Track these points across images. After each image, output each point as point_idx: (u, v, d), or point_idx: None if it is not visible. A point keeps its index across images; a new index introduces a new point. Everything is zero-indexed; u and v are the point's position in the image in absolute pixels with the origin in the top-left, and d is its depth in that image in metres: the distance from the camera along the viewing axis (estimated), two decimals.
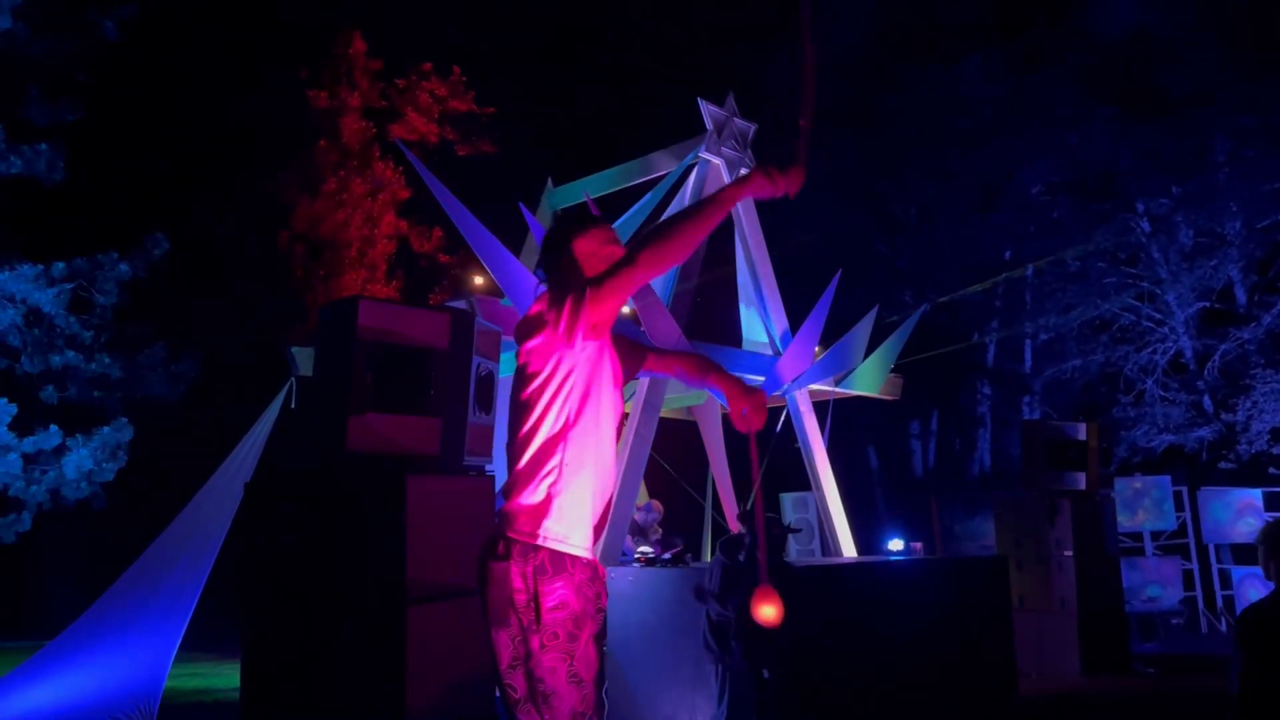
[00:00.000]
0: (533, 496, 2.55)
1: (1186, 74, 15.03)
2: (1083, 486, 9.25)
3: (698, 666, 5.59)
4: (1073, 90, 16.25)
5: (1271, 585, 3.78)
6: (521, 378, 2.60)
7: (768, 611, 2.83)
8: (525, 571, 2.51)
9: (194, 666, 9.82)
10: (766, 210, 8.74)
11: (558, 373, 2.57)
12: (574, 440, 2.59)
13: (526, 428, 2.58)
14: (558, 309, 2.53)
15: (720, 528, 9.57)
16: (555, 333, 2.53)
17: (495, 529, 2.61)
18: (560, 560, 2.54)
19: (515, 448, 2.61)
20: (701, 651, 5.32)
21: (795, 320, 8.28)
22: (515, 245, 8.20)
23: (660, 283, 7.55)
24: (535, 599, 2.50)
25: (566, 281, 2.64)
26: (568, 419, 2.58)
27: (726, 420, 9.02)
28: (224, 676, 9.51)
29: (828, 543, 8.55)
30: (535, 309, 2.63)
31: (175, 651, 7.19)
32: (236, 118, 16.57)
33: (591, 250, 2.76)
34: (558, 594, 2.52)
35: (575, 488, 2.58)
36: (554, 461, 2.57)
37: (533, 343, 2.57)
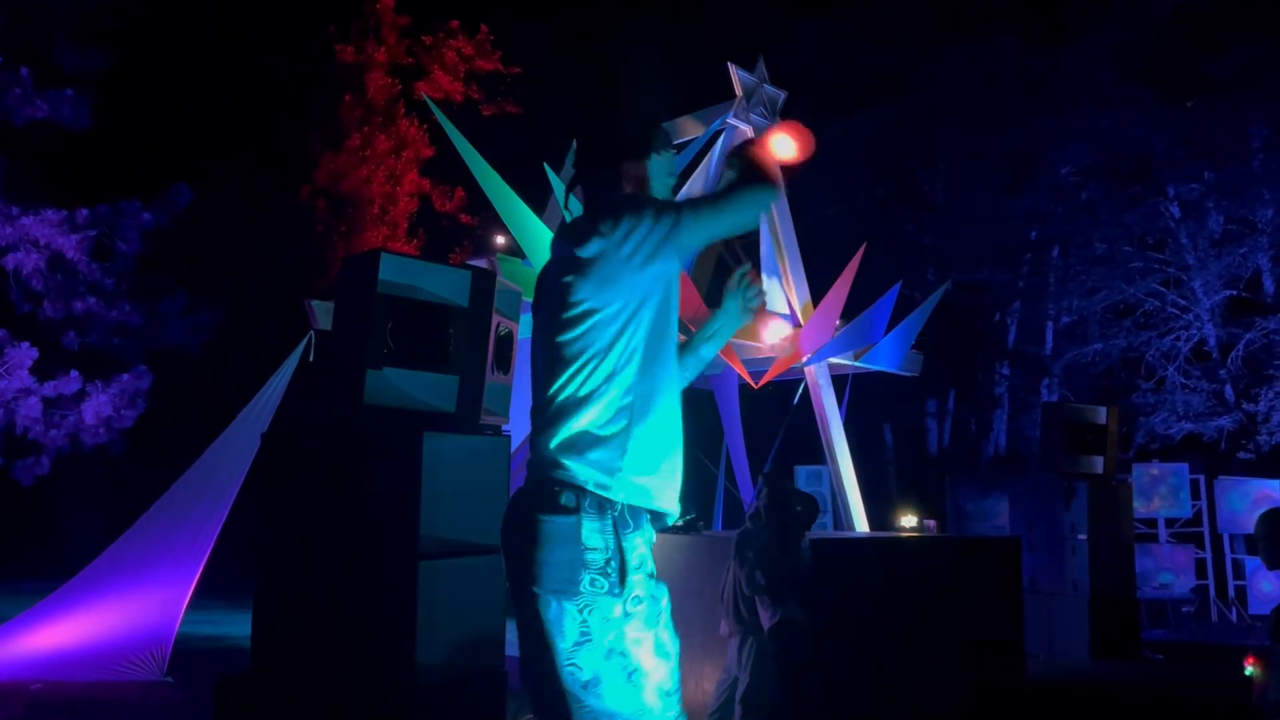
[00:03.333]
0: (605, 443, 2.18)
1: (1227, 57, 14.75)
2: (1100, 471, 9.20)
3: (706, 633, 5.60)
4: (1109, 71, 16.00)
5: None
6: (578, 309, 2.22)
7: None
8: (604, 526, 2.15)
9: (207, 613, 9.93)
10: (792, 181, 8.65)
11: (629, 300, 2.23)
12: (646, 379, 2.25)
13: (590, 365, 2.20)
14: (634, 224, 2.20)
15: (733, 497, 9.57)
16: (619, 254, 2.20)
17: (542, 475, 2.21)
18: (639, 515, 2.21)
19: (572, 388, 2.21)
20: (725, 619, 5.24)
21: (818, 293, 8.22)
22: (538, 206, 8.15)
23: None
24: (619, 554, 2.14)
25: (634, 198, 2.32)
26: (641, 353, 2.24)
27: (743, 389, 8.99)
28: (236, 624, 9.61)
29: (840, 517, 8.53)
30: (585, 227, 2.25)
31: (188, 598, 7.26)
32: (263, 70, 16.52)
33: (650, 176, 2.42)
34: (640, 551, 2.18)
35: (650, 435, 2.24)
36: (627, 402, 2.22)
37: (588, 272, 2.21)
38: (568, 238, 2.30)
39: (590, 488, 2.16)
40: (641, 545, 2.20)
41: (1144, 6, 15.64)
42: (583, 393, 2.20)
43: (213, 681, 4.02)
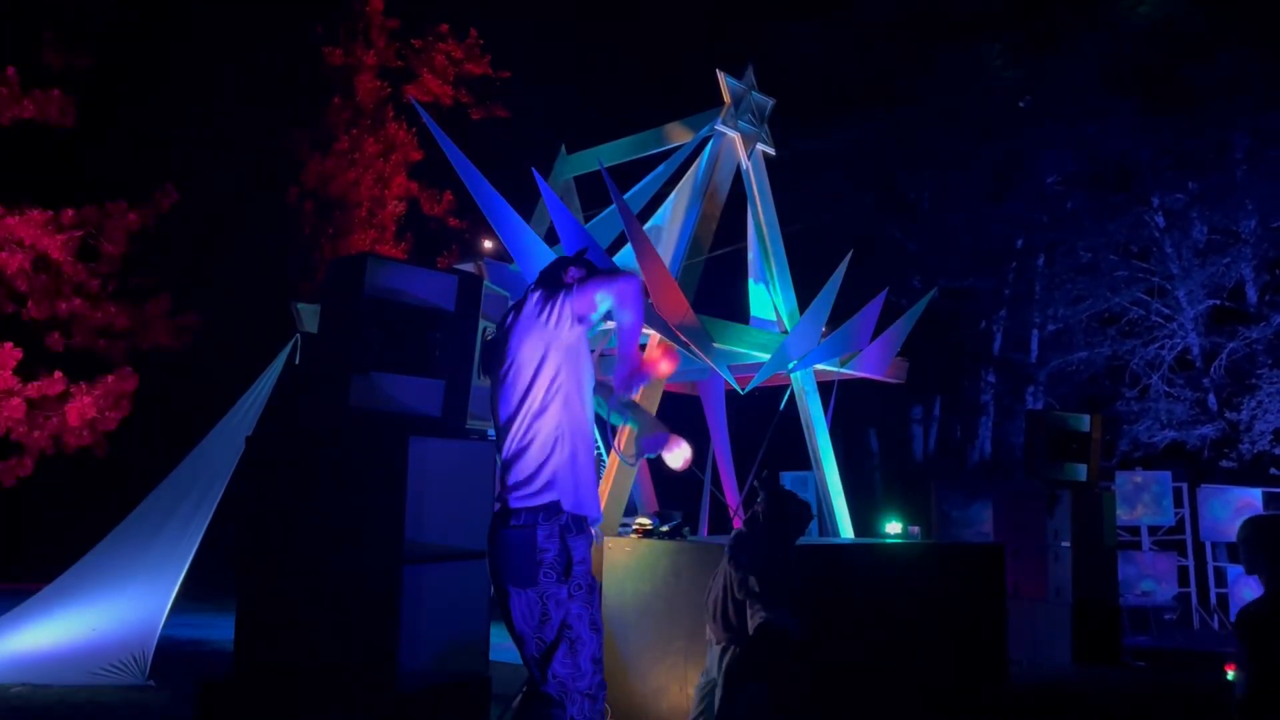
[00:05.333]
0: (550, 468, 2.91)
1: (1210, 68, 14.87)
2: (1083, 478, 9.24)
3: (691, 638, 5.60)
4: (1093, 80, 16.10)
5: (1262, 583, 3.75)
6: (520, 361, 2.97)
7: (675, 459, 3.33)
8: (552, 532, 2.84)
9: (190, 617, 9.87)
10: (780, 188, 8.69)
11: (550, 357, 2.98)
12: (573, 415, 2.99)
13: (532, 405, 2.96)
14: (552, 304, 2.97)
15: (719, 502, 9.58)
16: (545, 326, 2.98)
17: (506, 502, 2.94)
18: (581, 522, 2.92)
19: (520, 424, 2.96)
20: (711, 625, 5.22)
21: (804, 299, 8.24)
22: (526, 211, 8.16)
23: (669, 256, 7.52)
24: (565, 552, 2.84)
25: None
26: (566, 396, 2.99)
27: (730, 396, 9.02)
28: (219, 628, 9.56)
29: (825, 523, 8.56)
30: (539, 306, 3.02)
31: (171, 601, 7.23)
32: (251, 72, 16.47)
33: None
34: (581, 549, 2.90)
35: (581, 458, 2.98)
36: (561, 434, 2.95)
37: (528, 335, 2.98)
38: (516, 312, 3.05)
39: (540, 504, 2.90)
40: (584, 546, 2.92)
41: (1127, 17, 15.74)
42: (530, 423, 2.96)
43: (195, 685, 4.01)
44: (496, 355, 3.06)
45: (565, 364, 2.98)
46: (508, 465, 2.98)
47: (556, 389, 2.96)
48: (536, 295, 3.02)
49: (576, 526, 2.91)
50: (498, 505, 3.01)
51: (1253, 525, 3.79)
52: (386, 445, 3.81)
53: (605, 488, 6.81)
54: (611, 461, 7.07)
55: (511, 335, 3.00)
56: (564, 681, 2.80)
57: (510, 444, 2.99)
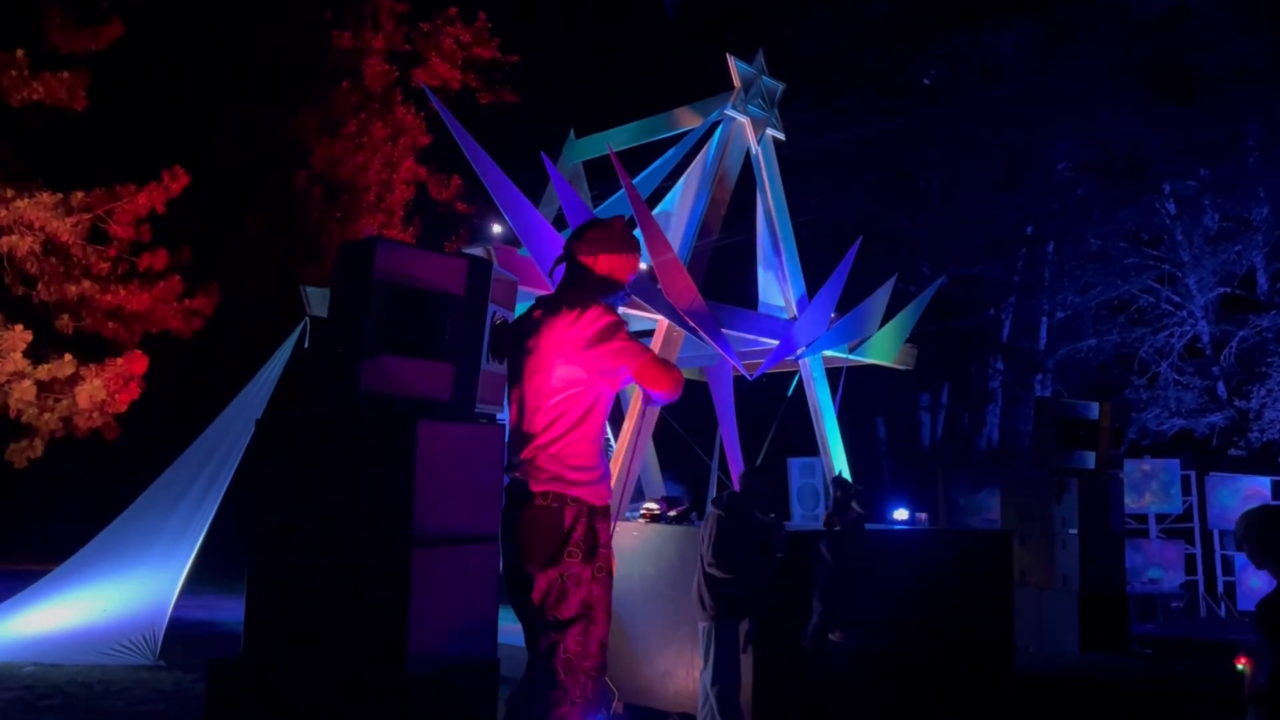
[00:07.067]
0: (588, 467, 2.98)
1: (1221, 57, 14.77)
2: (1092, 466, 9.23)
3: (696, 622, 5.63)
4: (1104, 68, 16.00)
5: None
6: (568, 378, 3.00)
7: None
8: (580, 512, 2.91)
9: (199, 598, 9.93)
10: (789, 174, 8.66)
11: (599, 384, 3.07)
12: (604, 417, 3.12)
13: (578, 416, 3.01)
14: (612, 359, 3.01)
15: (726, 487, 9.58)
16: (594, 370, 2.99)
17: (526, 483, 2.97)
18: (606, 511, 3.04)
19: (564, 425, 3.00)
20: (694, 605, 5.35)
21: (813, 286, 8.22)
22: (535, 195, 8.14)
23: (678, 241, 7.50)
24: (593, 533, 2.92)
25: (595, 300, 3.11)
26: (604, 412, 3.14)
27: (738, 381, 9.01)
28: (228, 610, 9.62)
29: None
30: (586, 334, 2.99)
31: (181, 582, 7.27)
32: (260, 55, 16.44)
33: (616, 269, 3.21)
34: (607, 533, 3.00)
35: (606, 461, 3.09)
36: (598, 442, 3.04)
37: (579, 361, 2.99)
38: (573, 331, 3.02)
39: (568, 491, 2.97)
40: (608, 531, 3.02)
41: (1136, 5, 15.62)
42: (576, 426, 3.01)
43: (204, 665, 4.03)
44: (524, 337, 3.12)
45: (609, 386, 3.15)
46: (540, 449, 3.00)
47: (595, 398, 3.09)
48: (587, 318, 3.06)
49: (603, 514, 3.00)
50: (510, 480, 3.08)
51: (1251, 519, 3.72)
52: (395, 429, 3.81)
53: (613, 471, 6.82)
54: (620, 445, 7.08)
55: (545, 337, 3.06)
56: (571, 659, 2.86)
57: (541, 429, 3.03)
